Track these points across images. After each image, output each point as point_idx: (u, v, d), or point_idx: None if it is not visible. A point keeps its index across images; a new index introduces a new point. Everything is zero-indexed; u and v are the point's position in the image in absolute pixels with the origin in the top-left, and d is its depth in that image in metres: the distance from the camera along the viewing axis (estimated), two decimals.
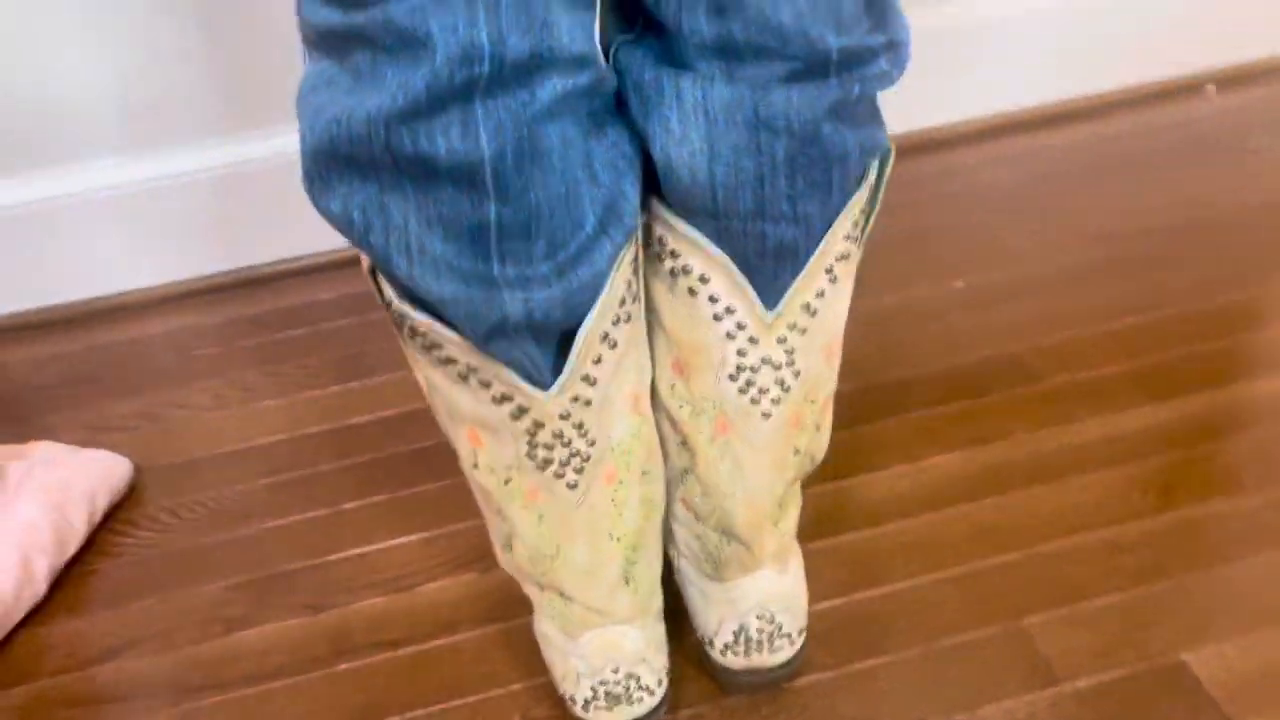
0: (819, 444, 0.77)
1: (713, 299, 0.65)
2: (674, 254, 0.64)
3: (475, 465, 0.69)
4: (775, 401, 0.69)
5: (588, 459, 0.66)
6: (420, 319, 0.61)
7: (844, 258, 0.66)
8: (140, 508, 1.08)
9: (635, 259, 0.64)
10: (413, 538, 1.01)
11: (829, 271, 0.65)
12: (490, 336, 0.59)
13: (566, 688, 0.79)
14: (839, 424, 1.06)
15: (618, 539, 0.71)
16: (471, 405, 0.64)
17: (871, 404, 1.09)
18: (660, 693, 0.79)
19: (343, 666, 0.91)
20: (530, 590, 0.77)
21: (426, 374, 0.66)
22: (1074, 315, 1.17)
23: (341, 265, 1.34)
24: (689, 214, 0.62)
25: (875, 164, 0.66)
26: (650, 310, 0.69)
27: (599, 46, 0.57)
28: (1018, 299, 1.21)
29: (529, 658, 0.85)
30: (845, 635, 0.88)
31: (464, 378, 0.62)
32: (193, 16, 1.22)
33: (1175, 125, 1.48)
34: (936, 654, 0.86)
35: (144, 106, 1.26)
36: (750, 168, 0.59)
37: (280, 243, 1.37)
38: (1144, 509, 0.96)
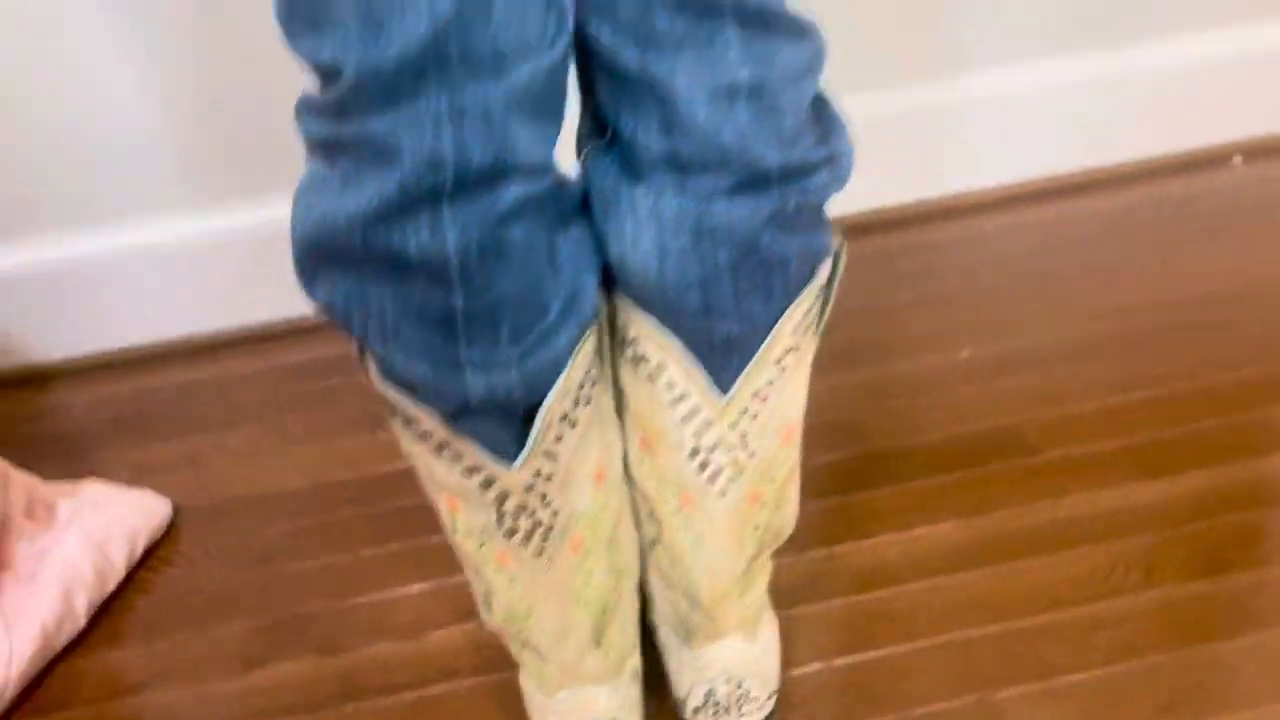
0: (782, 519, 0.81)
1: (670, 384, 0.70)
2: (635, 342, 0.69)
3: (454, 529, 0.74)
4: (731, 480, 0.74)
5: (552, 528, 0.71)
6: (397, 397, 0.66)
7: (793, 349, 0.70)
8: (176, 546, 1.16)
9: (597, 347, 0.69)
10: (422, 586, 1.07)
11: (778, 362, 0.70)
12: (458, 414, 0.65)
13: None
14: (833, 490, 1.11)
15: (585, 603, 0.76)
16: (446, 475, 0.69)
17: (868, 471, 1.13)
18: None
19: (349, 708, 0.97)
20: (512, 647, 0.82)
21: (408, 446, 0.71)
22: (1075, 389, 1.20)
23: None
24: (645, 308, 0.68)
25: (829, 263, 0.70)
26: (618, 391, 0.74)
27: (554, 157, 0.62)
28: (1022, 371, 1.23)
29: (519, 708, 0.90)
30: (822, 702, 0.92)
31: (439, 450, 0.68)
32: (240, 82, 1.31)
33: (1200, 196, 1.50)
34: None
35: (196, 165, 1.36)
36: (696, 271, 0.64)
37: None
38: (1125, 586, 0.98)
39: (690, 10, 0.58)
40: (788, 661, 0.94)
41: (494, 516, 0.70)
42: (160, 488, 1.21)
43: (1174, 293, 1.33)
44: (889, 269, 1.43)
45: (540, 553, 0.72)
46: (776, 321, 0.68)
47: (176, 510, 1.19)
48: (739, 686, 0.84)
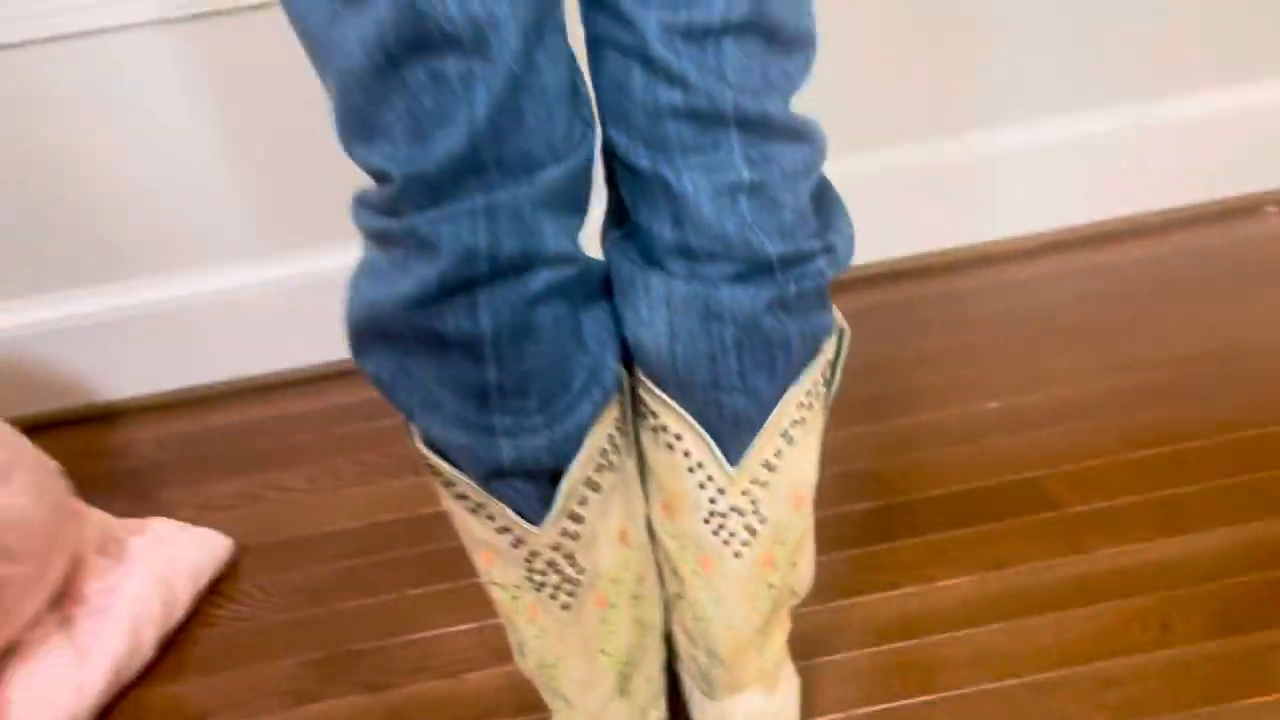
0: (796, 578, 0.86)
1: (686, 454, 0.75)
2: (654, 414, 0.75)
3: (490, 581, 0.80)
4: (745, 544, 0.78)
5: (578, 584, 0.76)
6: (437, 461, 0.72)
7: (799, 423, 0.75)
8: (236, 583, 1.23)
9: (619, 417, 0.74)
10: (465, 627, 1.13)
11: (784, 435, 0.75)
12: (489, 477, 0.71)
13: None
14: (857, 541, 1.15)
15: (610, 655, 0.81)
16: (481, 532, 0.75)
17: (891, 523, 1.16)
18: None
19: None
20: (544, 694, 0.88)
21: (448, 504, 0.77)
22: (1101, 443, 1.22)
23: None
24: (661, 383, 0.73)
25: (834, 343, 0.75)
26: (641, 456, 0.79)
27: (579, 245, 0.69)
28: (1048, 424, 1.26)
29: None
30: None
31: (474, 511, 0.74)
32: (297, 145, 1.39)
33: (1232, 246, 1.51)
34: None
35: (256, 219, 1.44)
36: (704, 349, 0.69)
37: None
38: (1140, 644, 1.01)
39: (696, 120, 0.63)
40: (810, 710, 0.99)
41: (524, 572, 0.75)
42: (221, 525, 1.29)
43: (1202, 345, 1.35)
44: (918, 317, 1.47)
45: (567, 607, 0.77)
46: (780, 395, 0.73)
47: (236, 547, 1.26)
48: None
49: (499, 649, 1.10)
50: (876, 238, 1.56)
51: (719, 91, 0.62)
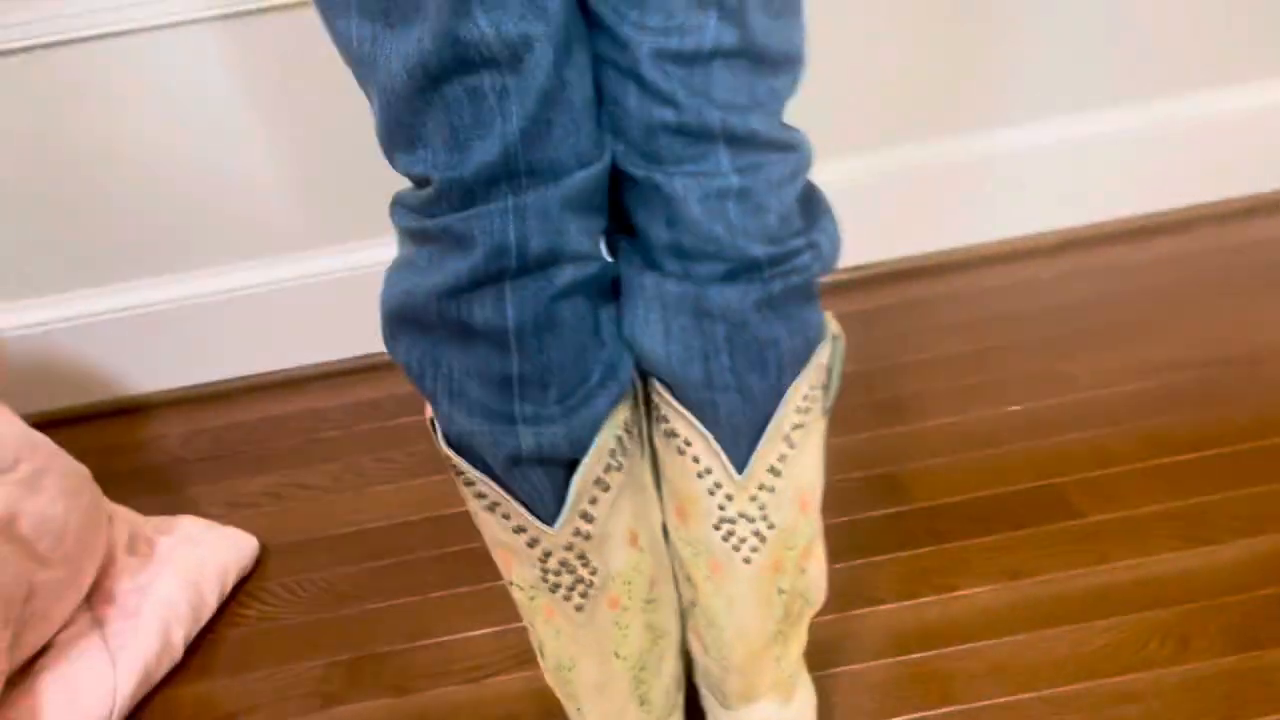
0: (806, 585, 0.87)
1: (695, 459, 0.77)
2: (665, 419, 0.78)
3: (510, 582, 0.82)
4: (754, 550, 0.81)
5: (591, 585, 0.79)
6: (458, 460, 0.75)
7: (799, 427, 0.77)
8: (262, 582, 1.25)
9: (630, 418, 0.77)
10: (487, 631, 1.15)
11: (786, 439, 0.77)
12: (508, 465, 0.73)
13: None
14: (877, 548, 1.16)
15: (624, 659, 0.83)
16: (499, 533, 0.78)
17: (911, 529, 1.17)
18: None
19: None
20: (564, 702, 0.89)
21: (470, 505, 0.80)
22: (1123, 450, 1.22)
23: None
24: (670, 389, 0.76)
25: (828, 348, 0.77)
26: (655, 462, 0.82)
27: (601, 246, 0.73)
28: (1070, 429, 1.26)
29: None
30: None
31: (492, 509, 0.76)
32: (328, 146, 1.39)
33: (1258, 244, 1.50)
34: None
35: (283, 217, 1.44)
36: (697, 346, 0.72)
37: None
38: (1158, 659, 1.01)
39: (686, 135, 0.67)
40: None
41: (539, 572, 0.78)
42: (246, 523, 1.31)
43: (1227, 347, 1.34)
44: (937, 317, 1.46)
45: (580, 608, 0.80)
46: (776, 398, 0.75)
47: (262, 546, 1.28)
48: None
49: (521, 653, 1.11)
50: (894, 235, 1.55)
51: (707, 111, 0.66)
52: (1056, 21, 1.43)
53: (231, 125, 1.38)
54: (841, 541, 1.17)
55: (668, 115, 0.66)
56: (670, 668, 0.89)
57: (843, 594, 1.11)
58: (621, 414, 0.75)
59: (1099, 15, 1.43)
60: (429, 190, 0.65)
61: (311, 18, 1.31)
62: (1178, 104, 1.49)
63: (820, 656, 1.05)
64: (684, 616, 0.89)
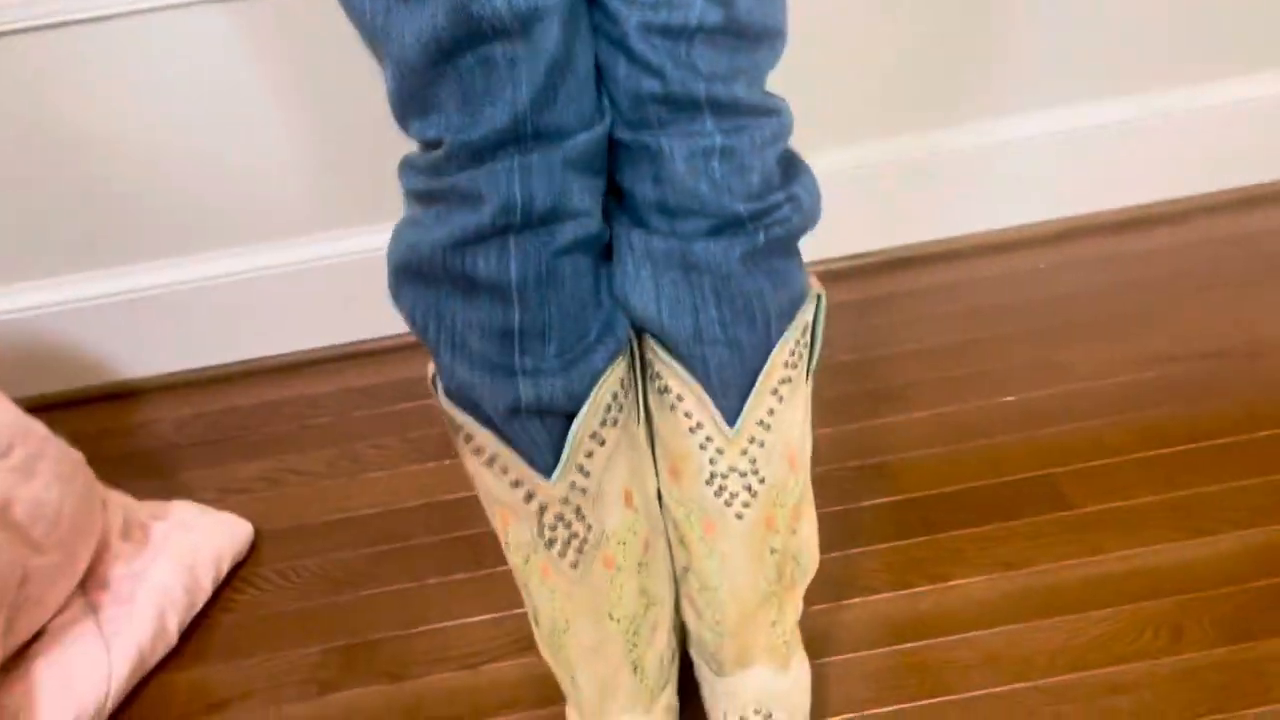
0: (798, 547, 0.88)
1: (687, 414, 0.80)
2: (659, 376, 0.80)
3: (507, 544, 0.83)
4: (746, 505, 0.82)
5: (586, 541, 0.80)
6: (459, 414, 0.77)
7: (786, 381, 0.80)
8: (256, 568, 1.25)
9: (625, 377, 0.78)
10: (484, 617, 1.15)
11: (774, 393, 0.79)
12: (507, 416, 0.75)
13: None
14: (871, 538, 1.16)
15: (617, 621, 0.84)
16: (497, 489, 0.79)
17: (906, 519, 1.17)
18: None
19: None
20: (558, 675, 0.89)
21: (469, 464, 0.81)
22: (1117, 440, 1.23)
23: None
24: (662, 344, 0.78)
25: (812, 306, 0.80)
26: (651, 424, 0.83)
27: (600, 206, 0.75)
28: (1064, 420, 1.26)
29: None
30: None
31: (490, 464, 0.78)
32: (335, 130, 1.38)
33: (1254, 235, 1.50)
34: None
35: (281, 203, 1.43)
36: (686, 300, 0.75)
37: (396, 320, 1.52)
38: (1151, 650, 1.02)
39: (672, 104, 0.71)
40: (821, 710, 1.00)
41: (536, 529, 0.80)
42: (241, 508, 1.30)
43: (1222, 339, 1.34)
44: (932, 307, 1.46)
45: (575, 565, 0.81)
46: (764, 351, 0.77)
47: (257, 532, 1.28)
48: (769, 717, 0.90)
49: (518, 640, 1.12)
50: (891, 224, 1.55)
51: (692, 82, 0.69)
52: (1055, 12, 1.42)
53: (229, 110, 1.37)
54: (835, 530, 1.17)
55: (655, 86, 0.70)
56: (663, 638, 0.90)
57: (836, 583, 1.12)
58: (618, 371, 0.77)
59: (1097, 5, 1.42)
60: (439, 152, 0.68)
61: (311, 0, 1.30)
62: (1175, 95, 1.49)
63: (814, 645, 1.05)
64: (677, 586, 0.90)
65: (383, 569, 1.23)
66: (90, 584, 1.17)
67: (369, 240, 1.46)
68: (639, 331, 0.80)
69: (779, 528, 0.85)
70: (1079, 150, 1.51)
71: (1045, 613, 1.06)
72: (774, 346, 0.78)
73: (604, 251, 0.77)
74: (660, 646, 0.89)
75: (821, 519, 1.11)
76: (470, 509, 1.28)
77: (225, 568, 1.23)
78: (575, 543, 0.80)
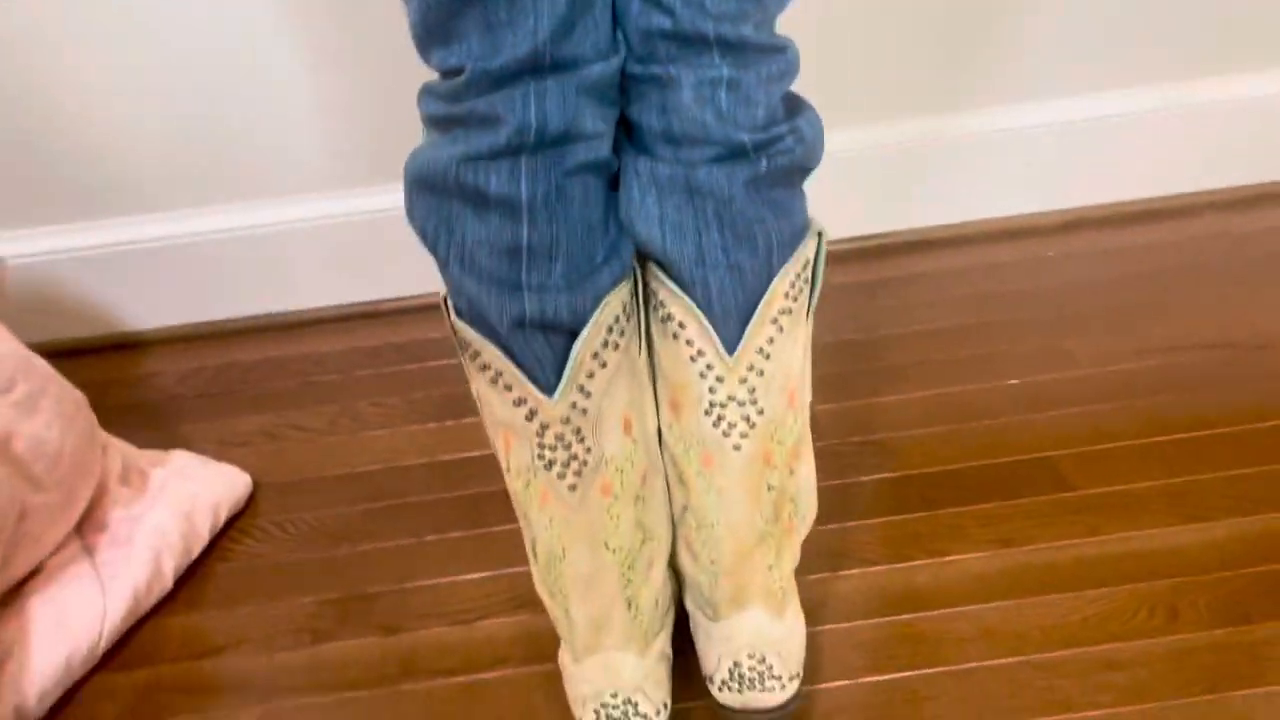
0: (796, 488, 0.89)
1: (689, 342, 0.81)
2: (662, 304, 0.81)
3: (508, 469, 0.84)
4: (744, 436, 0.84)
5: (585, 464, 0.82)
6: (466, 329, 0.78)
7: (786, 312, 0.81)
8: (254, 519, 1.25)
9: (628, 301, 0.80)
10: (480, 575, 1.15)
11: (774, 322, 0.81)
12: (513, 329, 0.77)
13: (576, 711, 0.92)
14: (871, 511, 1.17)
15: (613, 550, 0.85)
16: (500, 408, 0.81)
17: (906, 495, 1.17)
18: None
19: (406, 687, 1.05)
20: (552, 613, 0.89)
21: (475, 384, 0.82)
22: (1118, 426, 1.23)
23: None
24: (665, 270, 0.80)
25: (813, 243, 0.81)
26: (653, 356, 0.85)
27: (611, 132, 0.78)
28: (1066, 404, 1.27)
29: (565, 699, 0.98)
30: (845, 716, 0.98)
31: (494, 382, 0.80)
32: (346, 87, 1.38)
33: (1260, 233, 1.50)
34: None
35: (288, 158, 1.43)
36: (690, 223, 0.78)
37: (401, 282, 1.52)
38: (1146, 629, 1.02)
39: (681, 40, 0.73)
40: (815, 677, 1.00)
41: (536, 449, 0.81)
42: (240, 461, 1.30)
43: (1227, 332, 1.35)
44: (942, 290, 1.47)
45: (574, 488, 0.82)
46: (765, 279, 0.79)
47: (255, 484, 1.28)
48: (762, 661, 0.90)
49: (513, 598, 1.12)
50: (902, 208, 1.55)
51: (701, 20, 0.72)
52: (1066, 5, 1.43)
53: (246, 65, 1.37)
54: (835, 503, 1.17)
55: (665, 23, 0.73)
56: (659, 578, 0.90)
57: (835, 554, 1.12)
58: (621, 294, 0.79)
59: (1106, 1, 1.43)
60: (459, 79, 0.71)
61: None
62: (1189, 89, 1.49)
63: (809, 614, 1.05)
64: (675, 532, 0.91)
65: (380, 525, 1.23)
66: (87, 527, 1.17)
67: (380, 200, 1.46)
68: (644, 262, 0.82)
69: (776, 464, 0.86)
70: (1089, 141, 1.52)
71: (1041, 590, 1.07)
72: (775, 275, 0.80)
73: (613, 182, 0.79)
74: (655, 586, 0.90)
75: (821, 492, 1.12)
76: (470, 469, 1.28)
77: (223, 516, 1.23)
78: (574, 464, 0.81)
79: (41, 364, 1.12)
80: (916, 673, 1.00)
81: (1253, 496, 1.14)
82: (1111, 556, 1.09)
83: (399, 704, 1.03)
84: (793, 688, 0.91)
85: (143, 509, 1.19)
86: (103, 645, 1.09)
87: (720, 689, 0.91)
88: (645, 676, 0.89)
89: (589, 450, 0.81)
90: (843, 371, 1.35)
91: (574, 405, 0.79)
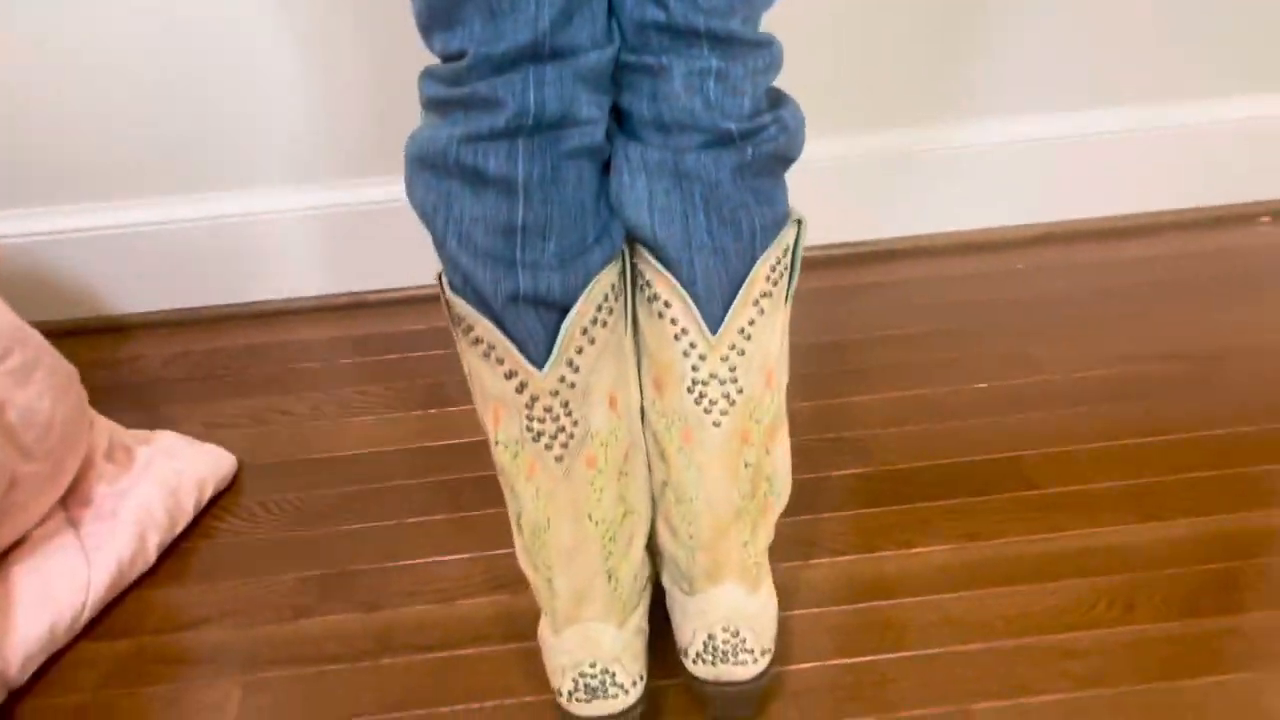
0: (772, 467, 0.93)
1: (673, 321, 0.85)
2: (649, 284, 0.85)
3: (496, 442, 0.87)
4: (724, 413, 0.87)
5: (572, 436, 0.85)
6: (460, 303, 0.81)
7: (767, 295, 0.85)
8: (238, 499, 1.27)
9: (617, 282, 0.84)
10: (460, 557, 1.17)
11: (756, 304, 0.85)
12: (506, 304, 0.80)
13: (555, 681, 0.94)
14: (844, 504, 1.20)
15: (596, 522, 0.88)
16: (491, 381, 0.84)
17: (878, 489, 1.21)
18: (635, 693, 0.93)
19: (385, 661, 1.07)
20: (535, 584, 0.92)
21: (467, 359, 0.85)
22: (1081, 430, 1.27)
23: (436, 299, 1.52)
24: (651, 250, 0.83)
25: (793, 230, 0.86)
26: (638, 335, 0.88)
27: (606, 120, 0.81)
28: (1032, 408, 1.31)
29: (541, 675, 1.00)
30: (815, 696, 1.01)
31: (486, 356, 0.83)
32: (340, 79, 1.41)
33: (1223, 253, 1.56)
34: None
35: (277, 148, 1.46)
36: (677, 207, 0.82)
37: (388, 273, 1.55)
38: (1103, 620, 1.06)
39: (673, 32, 0.78)
40: (785, 659, 1.03)
41: (524, 422, 0.84)
42: (225, 442, 1.32)
43: (1189, 345, 1.40)
44: (917, 298, 1.51)
45: (560, 459, 0.86)
46: (748, 262, 0.83)
47: (240, 466, 1.30)
48: (736, 634, 0.93)
49: (492, 579, 1.14)
50: (879, 217, 1.60)
51: (693, 15, 0.76)
52: (1053, 19, 1.48)
53: (240, 49, 1.40)
54: (809, 496, 1.21)
55: (659, 16, 0.77)
56: (638, 553, 0.94)
57: (807, 543, 1.15)
58: (611, 274, 0.83)
59: (1085, 21, 1.48)
60: (461, 63, 0.74)
61: None
62: (1160, 112, 1.55)
63: (780, 599, 1.07)
64: (655, 505, 0.94)
65: (363, 507, 1.25)
66: (71, 500, 1.19)
67: (368, 192, 1.49)
68: (631, 244, 0.86)
69: (754, 442, 0.90)
70: (1060, 158, 1.57)
71: (1005, 581, 1.10)
72: (758, 258, 0.83)
73: (605, 168, 0.83)
74: (635, 561, 0.93)
75: (795, 485, 1.15)
76: (452, 456, 1.30)
77: (208, 494, 1.24)
78: (562, 436, 0.85)
79: (36, 335, 1.13)
80: (883, 657, 1.04)
81: (1207, 498, 1.18)
82: (1072, 552, 1.13)
83: (378, 677, 1.05)
84: (764, 662, 0.94)
85: (128, 484, 1.21)
86: (86, 615, 1.10)
87: (695, 661, 0.94)
88: (623, 648, 0.92)
89: (576, 424, 0.85)
90: (818, 372, 1.39)
91: (563, 379, 0.83)
